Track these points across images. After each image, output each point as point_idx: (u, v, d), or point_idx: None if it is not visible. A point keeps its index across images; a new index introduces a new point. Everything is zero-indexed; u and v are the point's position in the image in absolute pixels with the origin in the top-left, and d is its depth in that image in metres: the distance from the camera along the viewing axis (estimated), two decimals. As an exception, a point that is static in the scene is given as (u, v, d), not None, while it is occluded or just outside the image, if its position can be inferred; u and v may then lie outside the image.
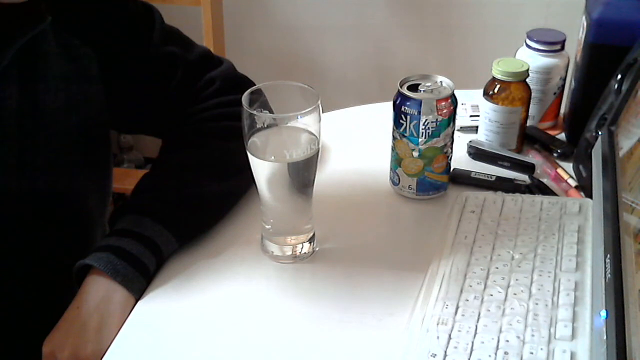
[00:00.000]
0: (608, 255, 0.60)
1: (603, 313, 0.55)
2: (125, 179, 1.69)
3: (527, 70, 0.89)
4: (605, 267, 0.59)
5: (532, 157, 0.92)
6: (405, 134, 0.79)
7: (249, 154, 0.70)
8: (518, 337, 0.60)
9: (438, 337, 0.61)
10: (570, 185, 0.86)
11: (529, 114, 0.94)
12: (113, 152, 0.88)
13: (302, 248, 0.75)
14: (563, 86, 0.96)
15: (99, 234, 0.86)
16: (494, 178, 0.86)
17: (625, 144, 0.70)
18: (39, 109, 0.73)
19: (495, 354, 0.59)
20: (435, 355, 0.59)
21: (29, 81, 0.72)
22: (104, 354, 0.64)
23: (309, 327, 0.67)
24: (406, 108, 0.77)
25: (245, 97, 0.68)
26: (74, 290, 0.70)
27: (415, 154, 0.80)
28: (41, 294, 0.80)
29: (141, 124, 0.87)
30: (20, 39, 0.70)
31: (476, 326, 0.62)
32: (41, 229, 0.78)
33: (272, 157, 0.69)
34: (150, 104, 0.82)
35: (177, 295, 0.71)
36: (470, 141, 0.93)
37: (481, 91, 0.92)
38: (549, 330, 0.61)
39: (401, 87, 0.79)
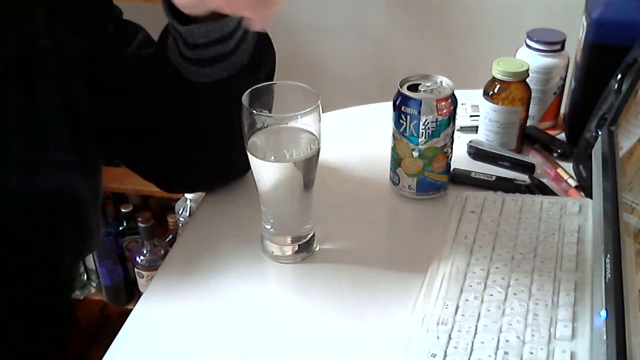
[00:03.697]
0: (608, 255, 0.60)
1: (603, 313, 0.55)
2: (125, 179, 1.68)
3: (527, 70, 0.89)
4: (605, 267, 0.59)
5: (532, 157, 0.92)
6: (405, 134, 0.79)
7: (249, 154, 0.70)
8: (518, 337, 0.60)
9: (438, 337, 0.61)
10: (570, 185, 0.86)
11: (529, 114, 0.93)
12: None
13: (302, 248, 0.75)
14: (563, 86, 0.96)
15: (96, 237, 0.86)
16: (494, 178, 0.86)
17: (625, 144, 0.70)
18: (38, 107, 0.73)
19: (495, 354, 0.59)
20: (435, 355, 0.59)
21: (29, 80, 0.72)
22: (104, 354, 0.64)
23: (309, 327, 0.67)
24: (406, 108, 0.77)
25: (245, 97, 0.68)
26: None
27: (415, 154, 0.80)
28: (39, 294, 0.80)
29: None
30: (17, 36, 0.70)
31: (476, 326, 0.62)
32: (39, 228, 0.78)
33: (272, 157, 0.69)
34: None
35: (177, 295, 0.71)
36: (470, 141, 0.93)
37: (481, 91, 0.92)
38: (549, 330, 0.61)
39: (401, 87, 0.79)
